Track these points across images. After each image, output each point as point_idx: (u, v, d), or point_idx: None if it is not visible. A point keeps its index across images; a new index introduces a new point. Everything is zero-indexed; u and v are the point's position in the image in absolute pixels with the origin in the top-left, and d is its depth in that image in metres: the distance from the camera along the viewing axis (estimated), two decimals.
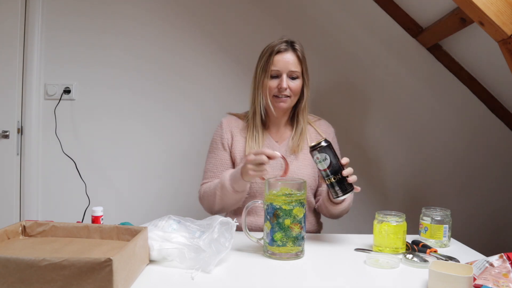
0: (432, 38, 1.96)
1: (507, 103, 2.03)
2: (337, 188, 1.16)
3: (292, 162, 1.41)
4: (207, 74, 2.07)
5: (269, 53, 1.41)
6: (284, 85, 1.38)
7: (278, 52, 1.40)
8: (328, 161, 1.14)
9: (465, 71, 2.04)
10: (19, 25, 2.00)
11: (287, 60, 1.40)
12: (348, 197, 1.26)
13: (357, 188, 1.19)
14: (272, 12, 2.05)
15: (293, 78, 1.41)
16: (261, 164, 1.20)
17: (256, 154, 1.20)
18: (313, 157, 1.17)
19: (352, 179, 1.17)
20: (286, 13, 2.05)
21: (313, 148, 1.15)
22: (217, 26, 2.05)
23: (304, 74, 1.44)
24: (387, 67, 2.08)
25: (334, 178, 1.15)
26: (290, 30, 2.03)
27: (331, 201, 1.31)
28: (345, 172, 1.16)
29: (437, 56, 2.05)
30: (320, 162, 1.15)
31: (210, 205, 1.39)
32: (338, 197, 1.17)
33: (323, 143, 1.15)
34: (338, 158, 1.16)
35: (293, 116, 1.49)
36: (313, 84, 2.03)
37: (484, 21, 1.26)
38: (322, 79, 2.07)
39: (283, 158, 1.22)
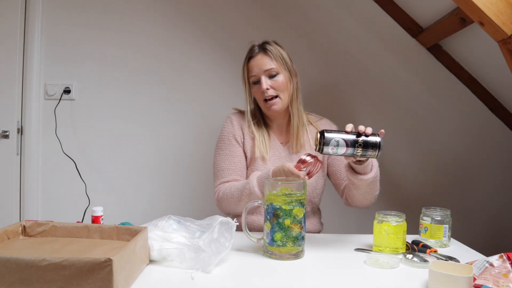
0: (432, 38, 1.96)
1: (507, 103, 2.03)
2: (369, 151, 1.10)
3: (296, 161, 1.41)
4: (209, 73, 2.07)
5: (244, 62, 1.44)
6: (264, 86, 1.38)
7: (250, 58, 1.42)
8: (341, 141, 1.09)
9: (465, 71, 2.03)
10: (19, 25, 2.00)
11: (259, 63, 1.40)
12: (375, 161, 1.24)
13: (381, 132, 1.13)
14: (271, 11, 2.05)
15: (272, 76, 1.39)
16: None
17: (290, 176, 1.20)
18: (329, 154, 1.11)
19: (368, 131, 1.10)
20: (285, 12, 2.05)
21: (319, 148, 1.10)
22: (218, 26, 2.05)
23: (286, 68, 1.41)
24: (387, 67, 2.08)
25: (360, 146, 1.09)
26: (289, 29, 2.03)
27: (358, 173, 1.24)
28: (361, 130, 1.10)
29: (437, 56, 2.05)
30: (337, 149, 1.09)
31: (231, 209, 1.37)
32: (378, 155, 1.11)
33: (321, 136, 1.09)
34: (343, 131, 1.11)
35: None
36: (312, 84, 2.05)
37: (484, 21, 1.26)
38: (321, 79, 2.07)
39: (315, 158, 1.20)
